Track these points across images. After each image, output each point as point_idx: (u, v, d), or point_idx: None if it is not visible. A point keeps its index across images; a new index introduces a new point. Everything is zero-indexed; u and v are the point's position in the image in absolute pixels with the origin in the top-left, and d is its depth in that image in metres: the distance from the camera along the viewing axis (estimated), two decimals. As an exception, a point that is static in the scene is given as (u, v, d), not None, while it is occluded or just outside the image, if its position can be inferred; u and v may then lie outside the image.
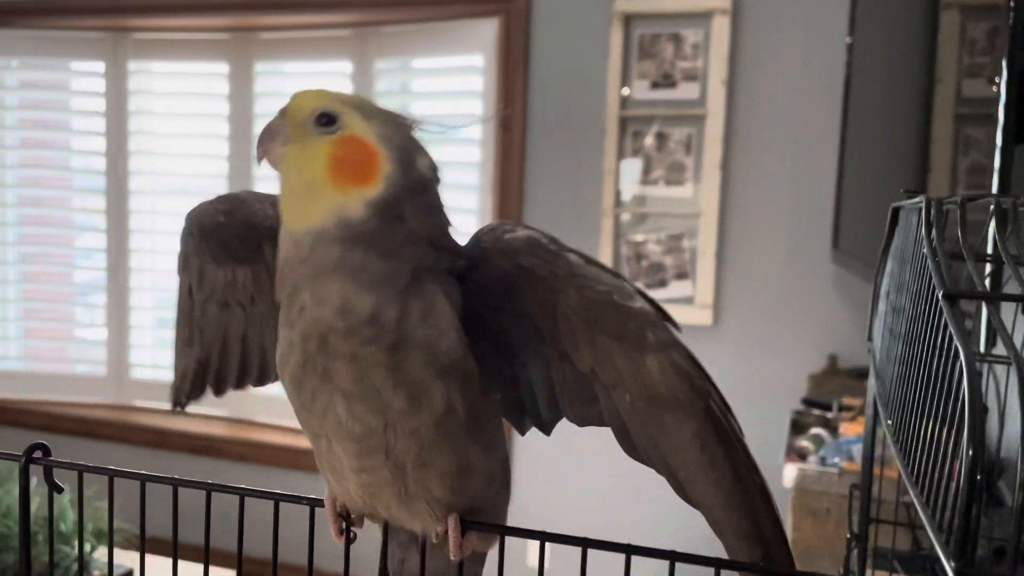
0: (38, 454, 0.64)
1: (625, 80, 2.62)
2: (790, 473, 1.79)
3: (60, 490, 0.65)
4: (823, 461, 1.81)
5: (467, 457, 0.62)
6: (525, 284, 0.60)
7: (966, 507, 0.34)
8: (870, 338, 0.85)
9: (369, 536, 0.72)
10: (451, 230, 0.64)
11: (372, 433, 0.59)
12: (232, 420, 3.22)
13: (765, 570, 0.53)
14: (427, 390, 0.58)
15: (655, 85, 2.61)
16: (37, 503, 1.69)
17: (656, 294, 2.63)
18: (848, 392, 2.22)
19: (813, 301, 2.52)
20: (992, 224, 0.61)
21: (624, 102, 2.63)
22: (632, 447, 0.62)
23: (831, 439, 1.91)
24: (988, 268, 0.76)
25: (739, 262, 2.58)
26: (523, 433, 0.68)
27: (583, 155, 2.69)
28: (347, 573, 0.63)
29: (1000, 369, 1.00)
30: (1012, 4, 1.32)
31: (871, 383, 0.80)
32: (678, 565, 0.55)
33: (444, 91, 3.00)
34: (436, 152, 0.64)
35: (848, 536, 0.83)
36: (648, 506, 2.70)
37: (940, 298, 0.43)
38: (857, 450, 1.79)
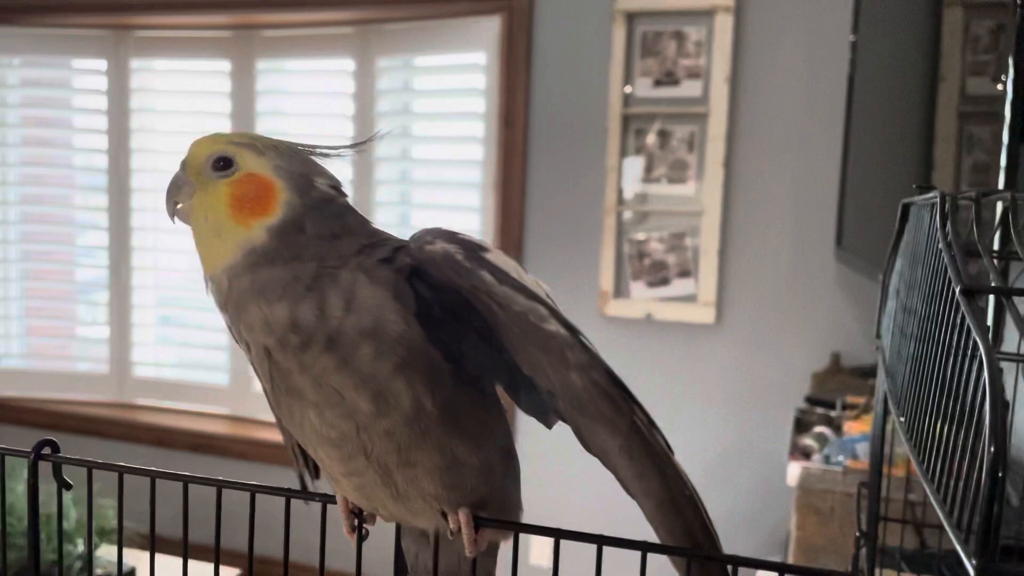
0: (47, 450, 0.64)
1: (627, 78, 2.62)
2: (794, 471, 1.78)
3: (69, 487, 0.64)
4: (827, 459, 1.81)
5: (452, 453, 0.61)
6: (461, 292, 0.61)
7: (988, 504, 0.34)
8: (878, 335, 0.85)
9: (380, 534, 0.72)
10: (369, 227, 0.65)
11: (347, 438, 0.60)
12: (234, 418, 3.22)
13: (784, 568, 0.53)
14: (390, 388, 0.59)
15: (658, 83, 2.60)
16: (40, 500, 1.69)
17: (659, 292, 2.63)
18: (852, 390, 2.22)
19: (816, 299, 2.51)
20: (999, 220, 0.61)
21: (626, 100, 2.63)
22: (585, 445, 0.64)
23: (835, 437, 1.90)
24: (996, 263, 0.76)
25: (742, 260, 2.58)
26: (549, 427, 0.68)
27: (585, 153, 2.68)
28: (359, 570, 0.63)
29: (1006, 366, 1.00)
30: (1019, 2, 1.31)
31: (880, 380, 0.80)
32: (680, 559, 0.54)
33: (446, 89, 2.99)
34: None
35: (856, 534, 0.83)
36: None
37: (957, 293, 0.43)
38: (861, 448, 1.78)
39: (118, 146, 3.23)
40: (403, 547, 0.70)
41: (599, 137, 2.65)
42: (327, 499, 0.66)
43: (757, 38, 2.51)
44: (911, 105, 2.12)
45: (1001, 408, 0.34)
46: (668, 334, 2.65)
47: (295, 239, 0.61)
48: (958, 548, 0.38)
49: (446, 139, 3.00)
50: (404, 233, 0.65)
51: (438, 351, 0.60)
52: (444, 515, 0.63)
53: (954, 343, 0.45)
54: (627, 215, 2.66)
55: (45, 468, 0.66)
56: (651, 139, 2.62)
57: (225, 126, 3.10)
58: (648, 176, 2.64)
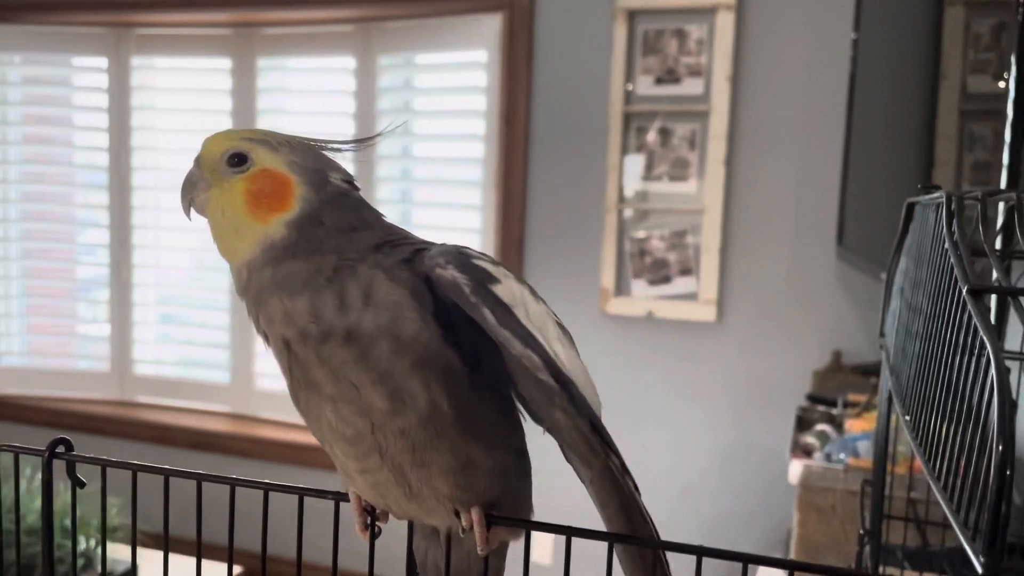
0: (61, 449, 0.64)
1: (629, 76, 2.62)
2: (795, 470, 1.79)
3: (83, 485, 0.65)
4: (828, 457, 1.81)
5: (466, 455, 0.62)
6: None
7: (996, 502, 0.34)
8: (882, 334, 0.85)
9: (391, 534, 0.72)
10: (384, 222, 0.66)
11: (362, 435, 0.61)
12: (234, 416, 3.22)
13: (793, 566, 0.53)
14: (406, 386, 0.59)
15: (659, 81, 2.60)
16: (40, 500, 1.69)
17: (660, 290, 2.63)
18: (853, 388, 2.22)
19: (817, 297, 2.52)
20: (1003, 219, 0.61)
21: (628, 98, 2.63)
22: (566, 457, 0.67)
23: (836, 435, 1.90)
24: (1000, 264, 0.76)
25: (743, 258, 2.58)
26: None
27: (586, 151, 2.68)
28: (371, 569, 0.63)
29: (1009, 365, 1.00)
30: (1021, 0, 1.31)
31: (884, 379, 0.80)
32: (685, 558, 0.54)
33: (447, 87, 2.99)
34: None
35: (860, 532, 0.83)
36: (658, 500, 2.70)
37: (964, 293, 0.43)
38: (862, 446, 1.79)
39: (119, 144, 3.23)
40: (413, 546, 0.70)
41: (600, 135, 2.65)
42: (340, 497, 0.66)
43: (758, 36, 2.51)
44: (912, 103, 2.12)
45: (1009, 407, 0.34)
46: (669, 332, 2.65)
47: (314, 233, 0.62)
48: (966, 546, 0.38)
49: (447, 137, 3.00)
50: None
51: (455, 354, 0.61)
52: (457, 513, 0.63)
53: (960, 342, 0.46)
54: (628, 213, 2.66)
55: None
56: (652, 137, 2.62)
57: (226, 124, 3.10)
58: (649, 174, 2.64)
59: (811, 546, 1.64)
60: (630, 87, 2.62)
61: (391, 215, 0.68)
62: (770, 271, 2.56)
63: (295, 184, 0.63)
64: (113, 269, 3.30)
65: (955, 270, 0.46)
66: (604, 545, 0.59)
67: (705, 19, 2.55)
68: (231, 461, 3.09)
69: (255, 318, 0.63)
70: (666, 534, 0.62)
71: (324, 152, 0.66)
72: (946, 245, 0.49)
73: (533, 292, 0.65)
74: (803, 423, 2.06)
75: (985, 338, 0.39)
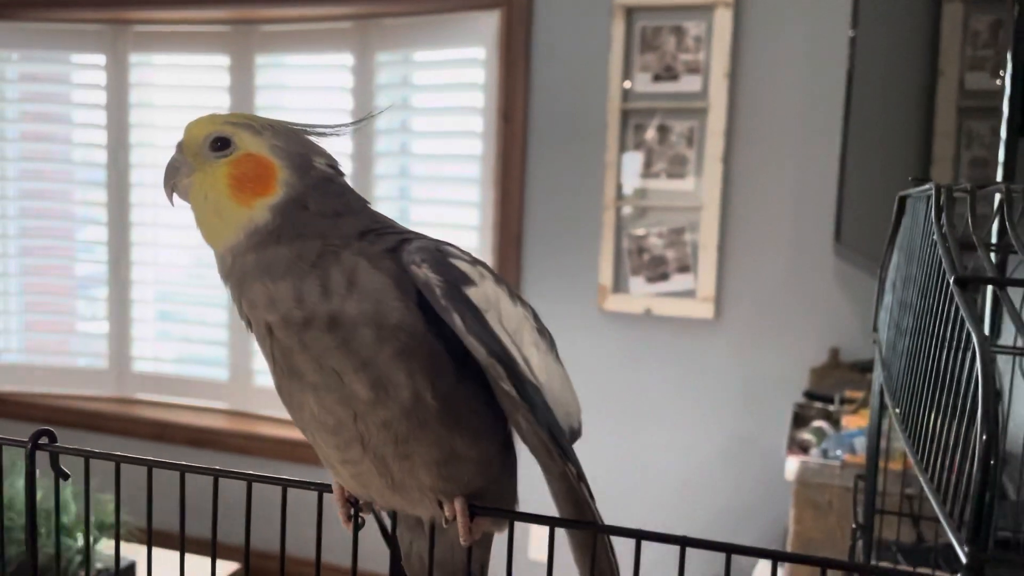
0: (44, 440, 0.64)
1: (627, 73, 2.62)
2: (792, 466, 1.79)
3: (66, 476, 0.64)
4: (825, 454, 1.81)
5: (450, 447, 0.61)
6: None
7: (980, 491, 0.34)
8: (875, 329, 0.85)
9: (375, 527, 0.72)
10: (369, 209, 0.66)
11: (344, 425, 0.60)
12: (233, 413, 3.22)
13: (780, 557, 0.53)
14: (389, 375, 0.59)
15: (657, 78, 2.60)
16: (41, 496, 1.69)
17: (658, 287, 2.63)
18: (850, 385, 2.22)
19: (815, 294, 2.52)
20: (999, 212, 0.61)
21: (626, 95, 2.62)
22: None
23: (833, 432, 1.91)
24: (992, 257, 0.76)
25: (741, 255, 2.58)
26: None
27: (584, 148, 2.68)
28: (355, 559, 0.63)
29: (1001, 359, 1.00)
30: (1017, -5, 1.31)
31: (877, 373, 0.80)
32: (688, 553, 0.54)
33: (445, 84, 2.99)
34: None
35: (853, 527, 0.83)
36: (656, 496, 2.70)
37: (951, 283, 0.43)
38: (859, 443, 1.79)
39: (117, 141, 3.23)
40: (397, 535, 0.70)
41: (598, 132, 2.65)
42: (324, 489, 0.66)
43: (756, 33, 2.51)
44: (910, 100, 2.12)
45: (993, 396, 0.34)
46: (667, 329, 2.65)
47: (298, 217, 0.62)
48: (951, 537, 0.38)
49: (445, 134, 3.00)
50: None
51: (441, 344, 0.60)
52: (441, 504, 0.63)
53: (948, 334, 0.46)
54: (626, 210, 2.66)
55: (44, 462, 0.66)
56: (650, 134, 2.62)
57: (224, 121, 3.09)
58: (647, 171, 2.64)
59: (807, 542, 1.64)
60: (628, 84, 2.62)
61: (389, 212, 0.68)
62: (768, 268, 2.56)
63: (279, 168, 0.63)
64: (112, 266, 3.30)
65: (943, 262, 0.46)
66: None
67: (703, 16, 2.54)
68: (229, 458, 3.09)
69: (238, 303, 0.62)
70: (662, 529, 0.62)
71: (308, 137, 0.66)
72: (934, 237, 0.49)
73: (511, 294, 0.64)
74: (800, 420, 2.06)
75: (970, 327, 0.39)
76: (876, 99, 2.27)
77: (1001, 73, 1.50)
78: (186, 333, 3.40)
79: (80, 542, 1.76)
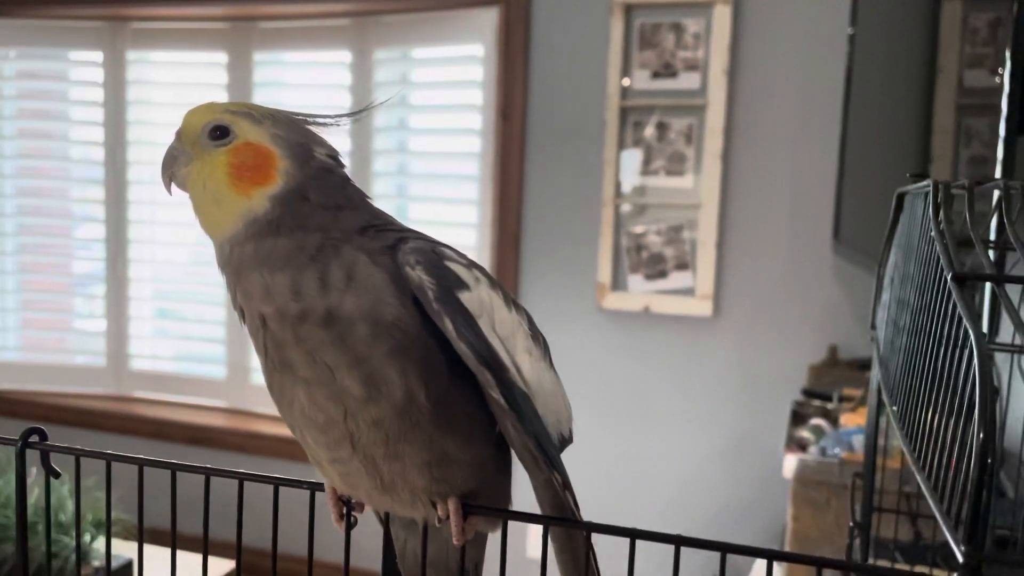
0: (34, 438, 0.63)
1: (626, 70, 2.61)
2: (790, 464, 1.79)
3: (57, 475, 0.64)
4: (823, 452, 1.81)
5: (442, 449, 0.60)
6: None
7: (977, 490, 0.34)
8: (873, 326, 0.85)
9: (370, 524, 0.71)
10: (370, 204, 0.65)
11: (334, 423, 0.60)
12: (231, 411, 3.22)
13: (775, 556, 0.53)
14: (383, 373, 0.58)
15: (656, 75, 2.60)
16: (36, 494, 1.68)
17: (656, 285, 2.63)
18: (848, 383, 2.22)
19: (813, 292, 2.51)
20: (997, 209, 0.61)
21: (624, 92, 2.62)
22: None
23: (831, 430, 1.90)
24: (990, 254, 0.76)
25: (739, 253, 2.57)
26: None
27: (583, 145, 2.68)
28: (347, 559, 0.63)
29: (1001, 357, 1.00)
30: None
31: (875, 371, 0.80)
32: (683, 550, 0.54)
33: (444, 81, 2.98)
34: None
35: (851, 525, 0.83)
36: (652, 492, 2.70)
37: (949, 280, 0.42)
38: (857, 441, 1.78)
39: (115, 138, 3.22)
40: (391, 534, 0.69)
41: (597, 129, 2.65)
42: (316, 487, 0.66)
43: (755, 31, 2.51)
44: (909, 98, 2.12)
45: (991, 393, 0.34)
46: (666, 327, 2.65)
47: (299, 208, 0.61)
48: (948, 536, 0.38)
49: (443, 132, 2.99)
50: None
51: (436, 343, 0.59)
52: (434, 504, 0.63)
53: (946, 332, 0.45)
54: (625, 208, 2.66)
55: (38, 461, 0.66)
56: (649, 131, 2.62)
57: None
58: (646, 169, 2.63)
59: (805, 540, 1.64)
60: (627, 82, 2.61)
61: (388, 210, 0.67)
62: (766, 266, 2.55)
63: (278, 158, 0.62)
64: (109, 264, 3.29)
65: (941, 259, 0.46)
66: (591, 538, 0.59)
67: (702, 13, 2.54)
68: (227, 456, 3.09)
69: (233, 293, 0.61)
70: (660, 527, 0.62)
71: (309, 127, 0.65)
72: (932, 234, 0.49)
73: (506, 299, 0.64)
74: (798, 417, 2.06)
75: (968, 324, 0.39)
76: (875, 97, 2.27)
77: (1000, 71, 1.50)
78: (184, 331, 3.39)
79: (75, 540, 1.75)
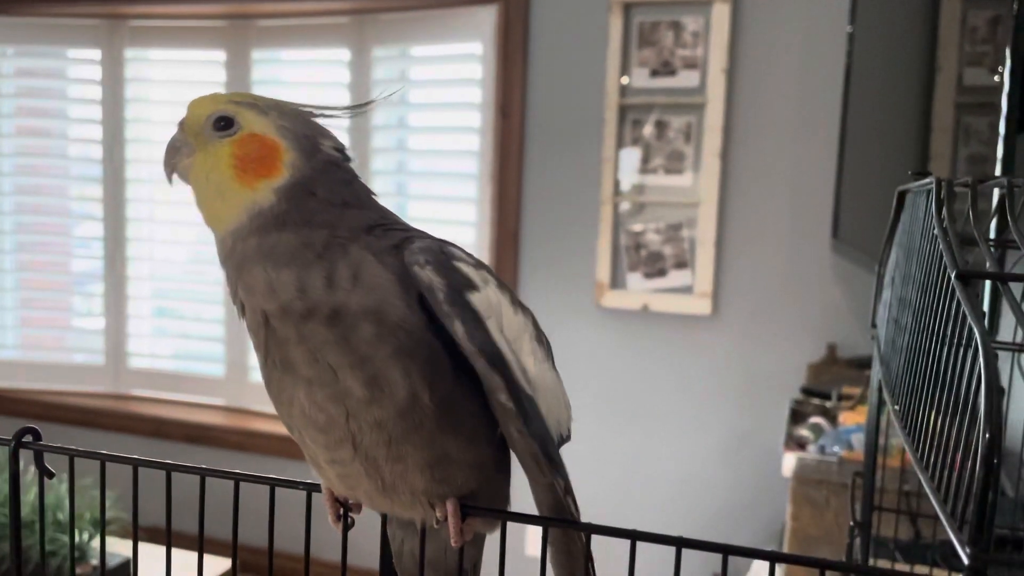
0: (28, 438, 0.63)
1: (624, 68, 2.61)
2: (789, 462, 1.78)
3: (51, 475, 0.63)
4: (822, 450, 1.81)
5: (444, 450, 0.60)
6: None
7: (983, 491, 0.33)
8: (874, 324, 0.84)
9: (367, 524, 0.71)
10: (376, 202, 0.64)
11: (335, 423, 0.59)
12: (229, 409, 3.21)
13: (777, 558, 0.52)
14: (386, 374, 0.57)
15: (655, 73, 2.59)
16: (34, 492, 1.68)
17: (655, 283, 2.62)
18: (847, 381, 2.21)
19: (812, 290, 2.51)
20: (999, 207, 0.60)
21: (623, 90, 2.61)
22: None
23: (830, 428, 1.90)
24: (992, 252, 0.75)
25: (738, 251, 2.57)
26: None
27: (582, 144, 2.67)
28: (345, 560, 0.62)
29: (1001, 356, 0.99)
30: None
31: (875, 369, 0.79)
32: (684, 551, 0.54)
33: (443, 79, 2.98)
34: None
35: (851, 524, 0.82)
36: (653, 493, 2.70)
37: (953, 278, 0.42)
38: (856, 439, 1.78)
39: (113, 136, 3.22)
40: (388, 534, 0.69)
41: (596, 128, 2.64)
42: (312, 488, 0.65)
43: (754, 28, 2.50)
44: (908, 96, 2.11)
45: (996, 393, 0.33)
46: (664, 325, 2.64)
47: (305, 203, 0.60)
48: (952, 537, 0.37)
49: (442, 130, 2.99)
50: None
51: (439, 343, 0.59)
52: (432, 505, 0.62)
53: (949, 330, 0.45)
54: (624, 206, 2.66)
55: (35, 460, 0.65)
56: (648, 130, 2.61)
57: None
58: (645, 167, 2.63)
59: (805, 539, 1.64)
60: (626, 80, 2.61)
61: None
62: (765, 264, 2.55)
63: (284, 150, 0.61)
64: (107, 262, 3.29)
65: (944, 256, 0.45)
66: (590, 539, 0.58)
67: (701, 11, 2.54)
68: (226, 454, 3.09)
69: (233, 287, 0.60)
70: (659, 526, 0.61)
71: (315, 119, 0.64)
72: (935, 232, 0.48)
73: (513, 300, 0.63)
74: (797, 416, 2.06)
75: (973, 323, 0.38)
76: (874, 95, 2.26)
77: (1000, 69, 1.50)
78: (182, 329, 3.39)
79: (76, 538, 1.75)
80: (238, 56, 3.07)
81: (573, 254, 2.70)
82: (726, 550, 0.51)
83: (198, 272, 3.26)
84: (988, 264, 0.45)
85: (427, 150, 3.01)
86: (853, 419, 1.89)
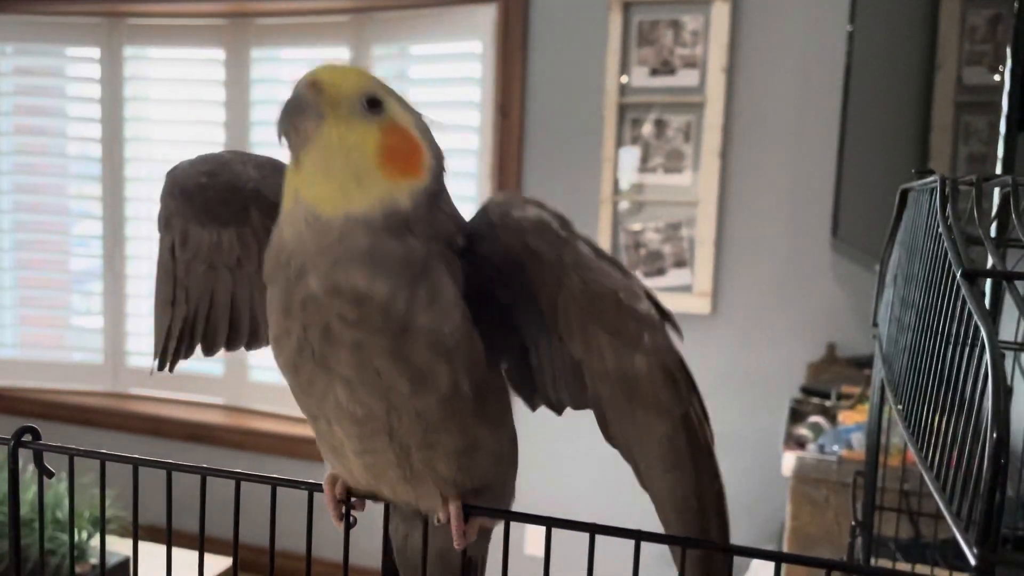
0: (27, 437, 0.62)
1: (624, 67, 2.61)
2: (789, 462, 1.78)
3: (51, 474, 0.63)
4: (822, 449, 1.81)
5: (473, 435, 0.60)
6: (530, 263, 0.57)
7: (990, 492, 0.33)
8: (875, 323, 0.84)
9: (369, 522, 0.71)
10: (456, 209, 0.62)
11: (374, 416, 0.57)
12: (228, 408, 3.21)
13: (782, 558, 0.52)
14: (432, 372, 0.56)
15: (654, 72, 2.59)
16: (33, 491, 1.68)
17: (654, 282, 2.62)
18: (847, 380, 2.21)
19: (812, 289, 2.51)
20: (1003, 205, 0.60)
21: (623, 89, 2.61)
22: (609, 435, 0.63)
23: (830, 427, 1.90)
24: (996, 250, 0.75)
25: (738, 250, 2.57)
26: (533, 409, 0.66)
27: (581, 143, 2.67)
28: (347, 559, 0.62)
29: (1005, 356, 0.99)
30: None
31: (877, 368, 0.79)
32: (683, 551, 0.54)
33: (442, 78, 2.97)
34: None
35: (852, 523, 0.82)
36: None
37: (958, 276, 0.42)
38: (856, 438, 1.78)
39: (112, 135, 3.21)
40: (391, 529, 0.68)
41: (595, 127, 2.64)
42: (314, 488, 0.65)
43: (754, 27, 2.50)
44: (908, 95, 2.11)
45: (1004, 394, 0.33)
46: (664, 324, 2.64)
47: (426, 214, 0.57)
48: (959, 537, 0.37)
49: (441, 128, 2.98)
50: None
51: (476, 331, 0.58)
52: (444, 499, 0.62)
53: (954, 329, 0.45)
54: (623, 205, 2.65)
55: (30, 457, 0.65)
56: (647, 129, 2.61)
57: (219, 115, 3.08)
58: (644, 166, 2.63)
59: (804, 538, 1.64)
60: (625, 79, 2.61)
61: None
62: (764, 263, 2.55)
63: (425, 152, 0.58)
64: (106, 261, 3.28)
65: (949, 255, 0.45)
66: (587, 537, 0.58)
67: (700, 10, 2.53)
68: (225, 453, 3.08)
69: (294, 274, 0.56)
70: (657, 523, 0.61)
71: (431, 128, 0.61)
72: (939, 230, 0.48)
73: None
74: (797, 415, 2.06)
75: (979, 322, 0.38)
76: (874, 94, 2.26)
77: (1000, 68, 1.50)
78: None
79: (75, 537, 1.75)
80: (237, 55, 3.07)
81: (572, 253, 2.70)
82: (730, 551, 0.50)
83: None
84: (993, 263, 0.44)
85: (426, 149, 3.00)
86: (853, 418, 1.89)
